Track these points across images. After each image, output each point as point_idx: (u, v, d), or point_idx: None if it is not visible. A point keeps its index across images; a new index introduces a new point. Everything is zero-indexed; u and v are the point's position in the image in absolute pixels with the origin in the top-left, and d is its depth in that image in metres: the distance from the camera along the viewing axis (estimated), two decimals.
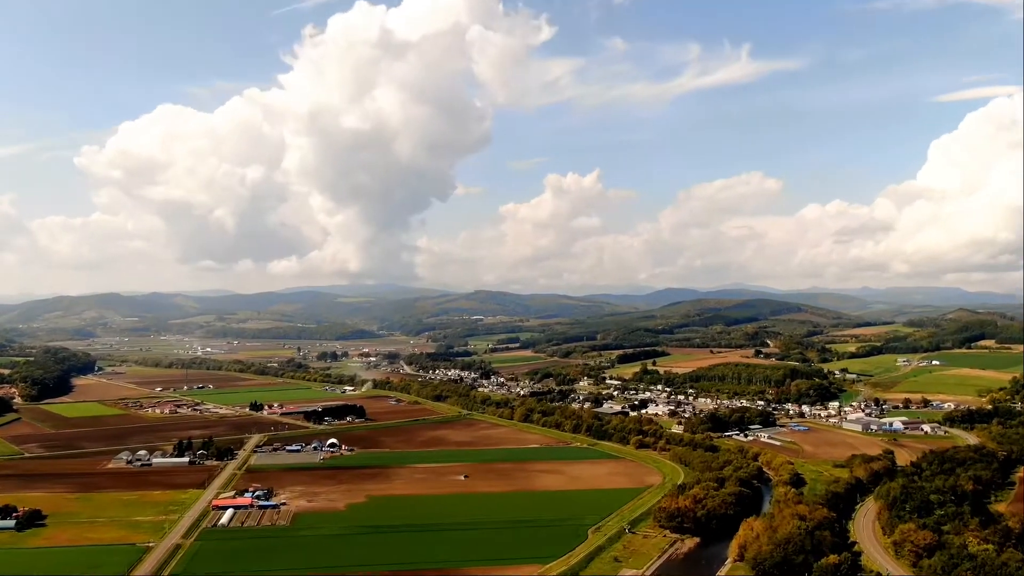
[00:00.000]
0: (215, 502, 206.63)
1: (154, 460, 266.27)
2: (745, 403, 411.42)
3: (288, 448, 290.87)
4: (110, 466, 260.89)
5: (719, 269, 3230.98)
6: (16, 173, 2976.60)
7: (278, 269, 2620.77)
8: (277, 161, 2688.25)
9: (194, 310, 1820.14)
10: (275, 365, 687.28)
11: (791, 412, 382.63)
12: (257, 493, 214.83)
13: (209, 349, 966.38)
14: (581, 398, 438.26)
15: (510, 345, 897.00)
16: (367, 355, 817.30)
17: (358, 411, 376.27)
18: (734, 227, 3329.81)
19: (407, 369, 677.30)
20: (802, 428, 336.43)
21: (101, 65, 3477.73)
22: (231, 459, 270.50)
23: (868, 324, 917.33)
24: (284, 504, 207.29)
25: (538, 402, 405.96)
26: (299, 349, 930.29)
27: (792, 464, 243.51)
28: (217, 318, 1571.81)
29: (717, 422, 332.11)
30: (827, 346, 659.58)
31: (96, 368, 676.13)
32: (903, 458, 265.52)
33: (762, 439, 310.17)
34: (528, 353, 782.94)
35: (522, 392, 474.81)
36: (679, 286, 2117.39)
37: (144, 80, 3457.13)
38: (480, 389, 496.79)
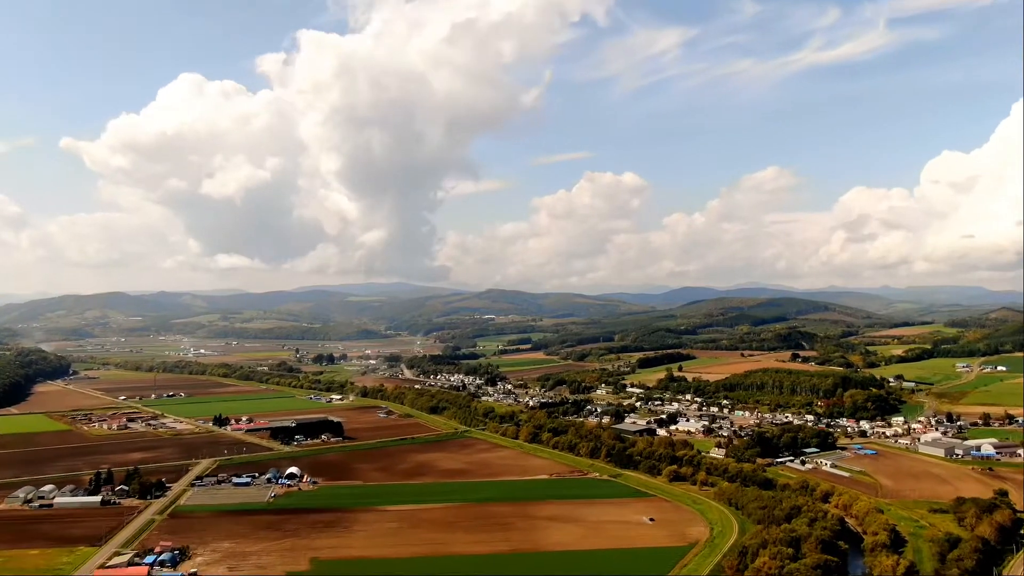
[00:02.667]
0: (97, 572, 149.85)
1: (58, 499, 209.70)
2: (791, 417, 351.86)
3: (235, 480, 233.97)
4: (1, 507, 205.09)
5: (735, 268, 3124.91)
6: (28, 168, 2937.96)
7: (293, 267, 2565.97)
8: (296, 148, 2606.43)
9: (201, 309, 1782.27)
10: (264, 369, 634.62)
11: (849, 430, 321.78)
12: (163, 556, 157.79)
13: (203, 351, 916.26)
14: (599, 410, 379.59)
15: (521, 346, 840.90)
16: (367, 357, 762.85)
17: (335, 428, 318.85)
18: (771, 222, 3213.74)
19: (407, 373, 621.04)
20: (869, 452, 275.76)
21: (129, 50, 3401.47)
22: (159, 496, 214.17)
23: (906, 324, 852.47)
24: (194, 574, 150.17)
25: (549, 416, 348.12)
26: (297, 351, 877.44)
27: (883, 513, 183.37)
28: (221, 317, 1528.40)
29: (765, 444, 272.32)
30: (869, 348, 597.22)
31: (71, 372, 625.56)
32: (1018, 499, 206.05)
33: (824, 468, 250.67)
34: (540, 355, 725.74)
35: (531, 403, 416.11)
36: (695, 285, 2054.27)
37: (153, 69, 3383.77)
38: (484, 398, 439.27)
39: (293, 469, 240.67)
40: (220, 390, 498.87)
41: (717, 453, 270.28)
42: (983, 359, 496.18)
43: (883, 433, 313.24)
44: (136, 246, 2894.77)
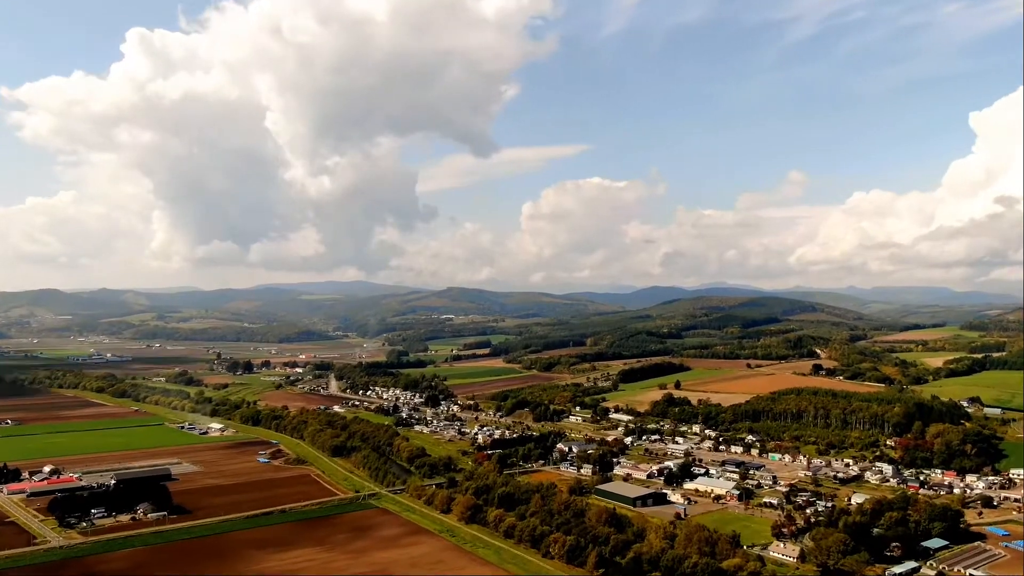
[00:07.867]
0: None
1: None
2: (854, 467, 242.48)
3: None
4: None
5: (700, 267, 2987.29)
6: None
7: (251, 259, 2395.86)
8: (256, 122, 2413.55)
9: (140, 307, 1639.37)
10: (160, 381, 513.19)
11: (963, 493, 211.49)
12: None
13: (110, 355, 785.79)
14: (574, 452, 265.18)
15: (478, 351, 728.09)
16: (294, 365, 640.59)
17: (158, 494, 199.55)
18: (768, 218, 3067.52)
19: (333, 387, 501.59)
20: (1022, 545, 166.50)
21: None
22: None
23: (916, 327, 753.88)
24: None
25: (503, 466, 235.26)
26: (219, 355, 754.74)
27: None
28: (157, 316, 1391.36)
29: (863, 537, 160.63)
30: (900, 358, 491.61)
31: None
32: None
33: None
34: (499, 363, 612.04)
35: (480, 437, 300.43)
36: (661, 284, 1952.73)
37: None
38: (416, 428, 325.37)
39: None
40: (73, 413, 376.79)
41: (784, 551, 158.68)
42: None
43: (1007, 498, 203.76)
44: (87, 239, 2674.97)
